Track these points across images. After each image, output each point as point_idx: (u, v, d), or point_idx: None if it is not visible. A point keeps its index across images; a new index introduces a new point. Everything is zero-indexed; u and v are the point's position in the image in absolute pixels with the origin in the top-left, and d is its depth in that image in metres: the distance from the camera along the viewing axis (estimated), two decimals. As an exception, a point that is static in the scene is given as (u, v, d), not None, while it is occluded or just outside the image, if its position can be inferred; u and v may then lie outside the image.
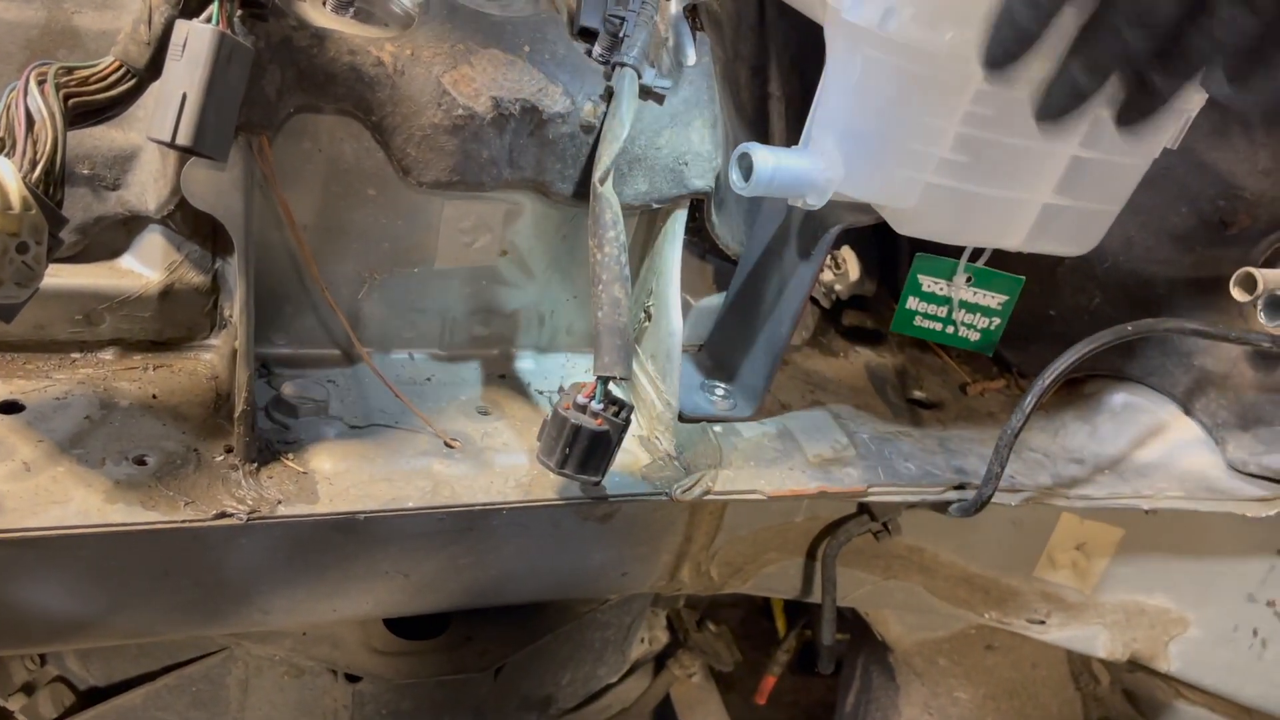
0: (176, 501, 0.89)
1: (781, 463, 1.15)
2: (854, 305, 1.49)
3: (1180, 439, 1.27)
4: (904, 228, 1.10)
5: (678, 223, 1.11)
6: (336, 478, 0.97)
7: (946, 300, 1.29)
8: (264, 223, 1.00)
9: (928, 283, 1.28)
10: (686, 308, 1.28)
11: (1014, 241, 1.14)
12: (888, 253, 1.47)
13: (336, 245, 1.06)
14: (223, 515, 0.88)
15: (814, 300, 1.43)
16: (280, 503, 0.92)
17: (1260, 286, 1.16)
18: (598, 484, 1.01)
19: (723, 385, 1.23)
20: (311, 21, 0.93)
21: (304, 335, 1.09)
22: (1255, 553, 1.33)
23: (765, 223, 1.20)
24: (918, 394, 1.39)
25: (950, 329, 1.31)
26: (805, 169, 1.05)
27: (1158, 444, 1.28)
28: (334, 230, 1.05)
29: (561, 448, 0.97)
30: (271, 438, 0.99)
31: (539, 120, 1.00)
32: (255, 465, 0.95)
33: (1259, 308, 1.18)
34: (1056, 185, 1.10)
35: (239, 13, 0.85)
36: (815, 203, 1.07)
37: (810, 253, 1.14)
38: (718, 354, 1.27)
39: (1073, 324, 1.39)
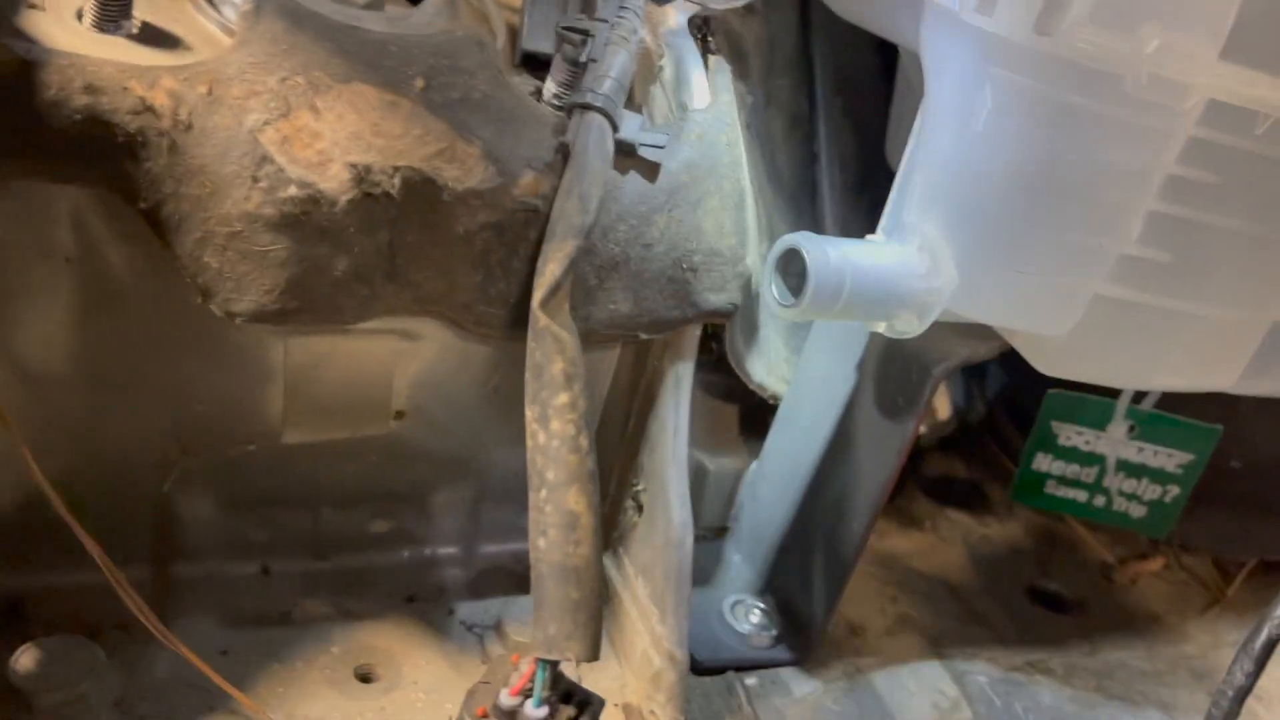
0: None
1: (857, 743, 0.71)
2: (943, 446, 1.06)
3: None
4: (1055, 367, 0.68)
5: (683, 362, 0.68)
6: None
7: (1097, 460, 0.86)
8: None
9: (1067, 434, 0.85)
10: (702, 474, 0.85)
11: (1224, 379, 0.71)
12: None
13: (117, 411, 0.64)
14: None
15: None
16: None
17: None
18: (546, 840, 0.57)
19: (760, 606, 0.79)
20: (30, 36, 0.53)
21: (70, 558, 0.66)
22: None
23: (823, 352, 0.78)
24: (1048, 585, 0.95)
25: (1100, 500, 0.88)
26: (894, 275, 0.62)
27: None
28: (110, 387, 0.63)
29: None
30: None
31: (438, 202, 0.58)
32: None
33: None
34: (1300, 293, 0.68)
35: None
36: (910, 329, 0.64)
37: (901, 406, 0.71)
38: (753, 552, 0.83)
39: (1268, 483, 0.96)
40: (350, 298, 0.58)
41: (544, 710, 0.55)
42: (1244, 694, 0.69)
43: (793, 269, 0.62)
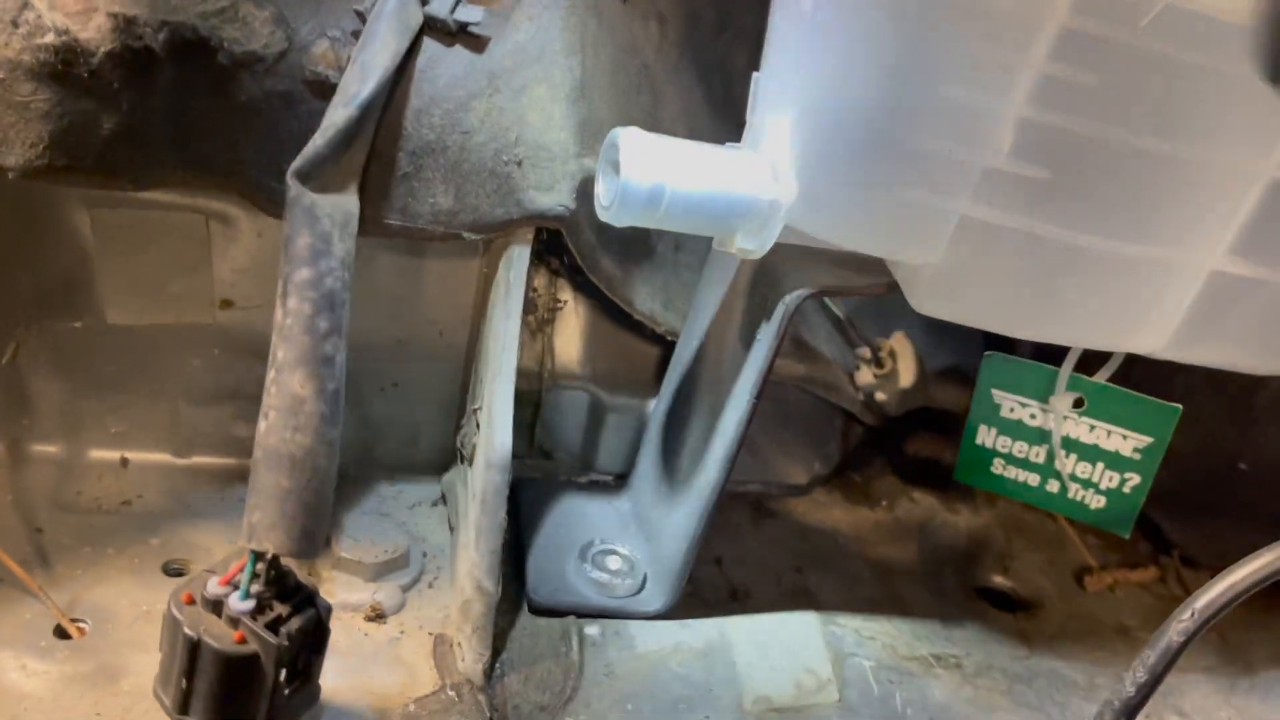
0: None
1: (686, 708, 0.64)
2: (927, 424, 0.96)
3: None
4: (928, 304, 0.59)
5: (514, 269, 0.63)
6: None
7: (1046, 437, 0.75)
8: None
9: (1010, 404, 0.75)
10: (599, 412, 0.80)
11: (1150, 341, 0.61)
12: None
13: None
14: None
15: (851, 416, 0.91)
16: None
17: None
18: (256, 746, 0.54)
19: (625, 553, 0.73)
20: None
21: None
22: None
23: (713, 280, 0.71)
24: (999, 581, 0.85)
25: (1054, 485, 0.77)
26: (731, 183, 0.56)
27: None
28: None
29: (178, 676, 0.51)
30: None
31: (215, 65, 0.55)
32: None
33: None
34: (1236, 239, 0.56)
35: None
36: (753, 246, 0.58)
37: (759, 338, 0.63)
38: (640, 499, 0.77)
39: (1276, 487, 0.83)
40: (126, 160, 0.56)
41: (249, 604, 0.51)
42: (1132, 710, 0.59)
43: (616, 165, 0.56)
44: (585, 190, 0.62)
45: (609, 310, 0.78)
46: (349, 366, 0.66)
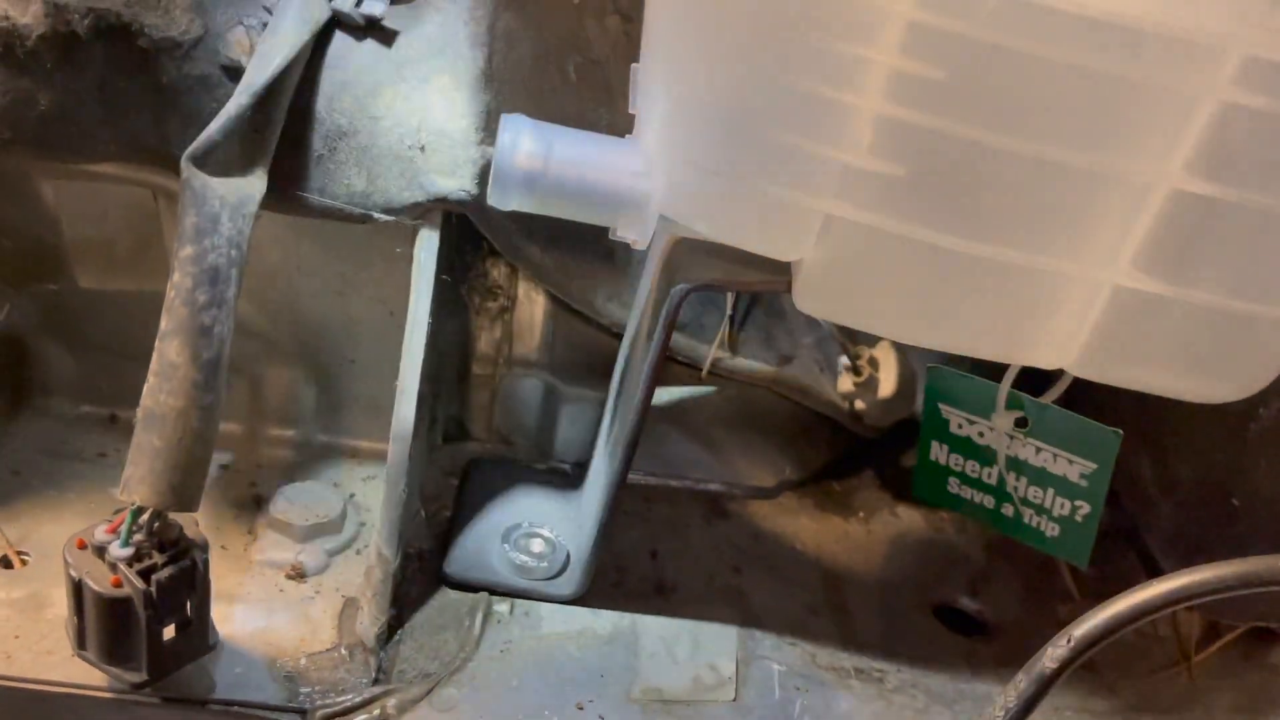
0: None
1: (571, 690, 0.65)
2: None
3: None
4: (806, 302, 0.58)
5: (424, 250, 0.66)
6: None
7: (990, 456, 0.72)
8: None
9: (957, 420, 0.73)
10: (553, 399, 0.81)
11: (1053, 356, 0.58)
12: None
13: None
14: None
15: (836, 423, 0.89)
16: None
17: None
18: (144, 685, 0.58)
19: (548, 536, 0.74)
20: None
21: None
22: None
23: (645, 273, 0.72)
24: (964, 602, 0.82)
25: (1009, 509, 0.74)
26: (609, 170, 0.57)
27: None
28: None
29: (71, 614, 0.57)
30: None
31: (136, 48, 0.60)
32: None
33: None
34: (1138, 253, 0.53)
35: None
36: (635, 235, 0.59)
37: (653, 329, 0.64)
38: (583, 489, 0.78)
39: (1273, 528, 0.76)
40: (60, 134, 0.61)
41: (128, 551, 0.55)
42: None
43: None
44: (496, 177, 0.64)
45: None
46: (305, 338, 0.70)
